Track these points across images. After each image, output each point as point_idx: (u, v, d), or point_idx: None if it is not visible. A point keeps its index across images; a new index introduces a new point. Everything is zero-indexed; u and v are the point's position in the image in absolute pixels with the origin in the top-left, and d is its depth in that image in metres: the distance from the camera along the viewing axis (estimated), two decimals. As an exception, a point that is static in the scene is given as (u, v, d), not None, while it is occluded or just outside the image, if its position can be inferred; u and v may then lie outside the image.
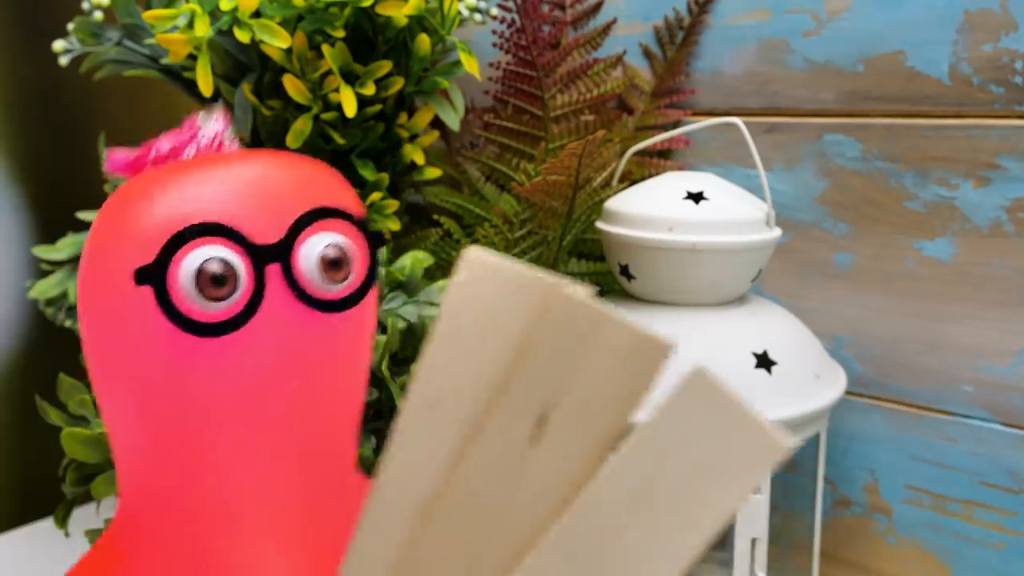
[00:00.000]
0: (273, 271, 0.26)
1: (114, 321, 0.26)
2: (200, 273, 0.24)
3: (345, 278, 0.27)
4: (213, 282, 0.24)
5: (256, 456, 0.27)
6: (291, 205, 0.27)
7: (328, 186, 0.28)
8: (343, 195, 0.28)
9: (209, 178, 0.26)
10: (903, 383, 0.53)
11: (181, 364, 0.26)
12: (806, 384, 0.45)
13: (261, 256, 0.25)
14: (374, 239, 0.28)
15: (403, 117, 0.52)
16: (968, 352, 0.50)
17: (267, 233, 0.26)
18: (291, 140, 0.48)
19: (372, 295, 0.28)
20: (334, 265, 0.26)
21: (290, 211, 0.26)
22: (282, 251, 0.26)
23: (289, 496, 0.28)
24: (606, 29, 0.58)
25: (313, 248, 0.26)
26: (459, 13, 0.50)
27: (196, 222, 0.25)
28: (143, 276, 0.24)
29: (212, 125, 0.30)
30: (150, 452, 0.27)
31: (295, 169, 0.28)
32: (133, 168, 0.29)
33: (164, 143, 0.29)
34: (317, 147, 0.51)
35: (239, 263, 0.25)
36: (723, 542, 0.59)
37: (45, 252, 0.53)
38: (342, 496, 0.30)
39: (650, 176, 0.54)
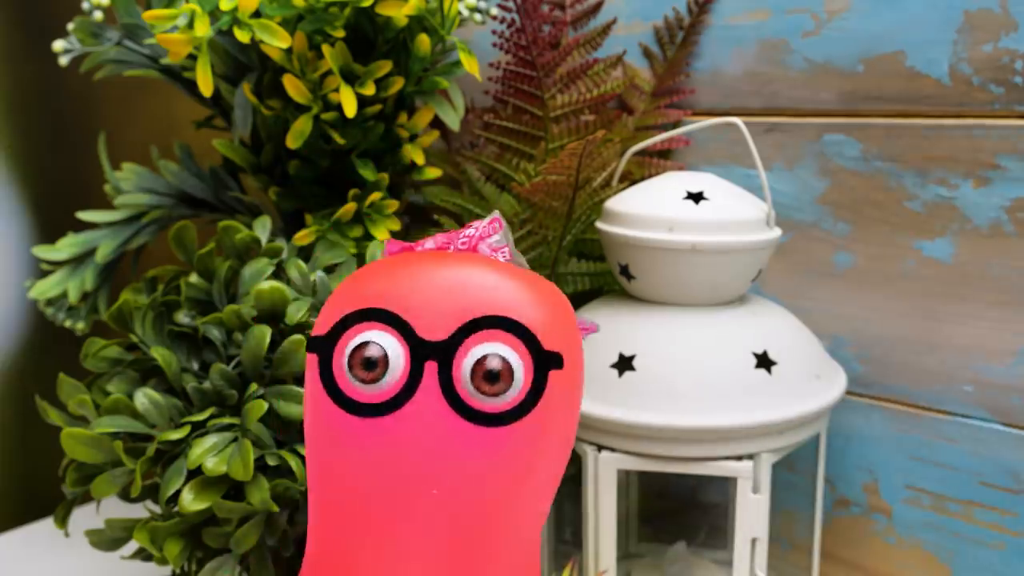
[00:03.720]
0: (430, 368, 0.26)
1: (307, 383, 0.28)
2: (355, 352, 0.25)
3: (501, 392, 0.26)
4: (364, 363, 0.25)
5: (393, 552, 0.27)
6: (465, 308, 0.26)
7: (517, 299, 0.27)
8: (532, 311, 0.27)
9: (402, 271, 0.27)
10: (903, 383, 0.53)
11: (336, 436, 0.27)
12: (806, 384, 0.45)
13: (421, 350, 0.26)
14: (545, 360, 0.26)
15: (403, 117, 0.52)
16: (968, 352, 0.50)
17: (434, 330, 0.26)
18: (291, 140, 0.48)
19: (544, 417, 0.27)
20: (490, 377, 0.25)
21: (462, 314, 0.26)
22: (444, 350, 0.26)
23: None
24: (606, 29, 0.58)
25: (475, 355, 0.26)
26: (459, 13, 0.50)
27: (369, 306, 0.26)
28: (312, 345, 0.26)
29: (483, 229, 0.29)
30: (313, 510, 0.29)
31: (492, 274, 0.27)
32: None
33: (433, 241, 0.29)
34: (317, 147, 0.51)
35: (397, 352, 0.25)
36: (723, 542, 0.59)
37: (45, 252, 0.53)
38: None
39: (650, 176, 0.54)
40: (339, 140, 0.49)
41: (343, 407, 0.26)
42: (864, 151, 0.52)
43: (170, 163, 0.56)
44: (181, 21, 0.42)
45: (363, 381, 0.25)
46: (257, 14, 0.44)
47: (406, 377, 0.25)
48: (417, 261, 0.28)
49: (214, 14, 0.43)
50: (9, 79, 0.64)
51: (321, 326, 0.26)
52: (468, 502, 0.27)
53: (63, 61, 0.52)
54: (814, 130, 0.53)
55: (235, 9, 0.43)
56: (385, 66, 0.48)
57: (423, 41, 0.49)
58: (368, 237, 0.51)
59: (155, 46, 0.52)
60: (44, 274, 0.55)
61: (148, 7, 0.52)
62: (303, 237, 0.49)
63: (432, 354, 0.26)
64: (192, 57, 0.47)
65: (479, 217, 0.57)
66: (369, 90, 0.48)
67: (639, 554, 0.59)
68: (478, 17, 0.53)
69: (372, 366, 0.25)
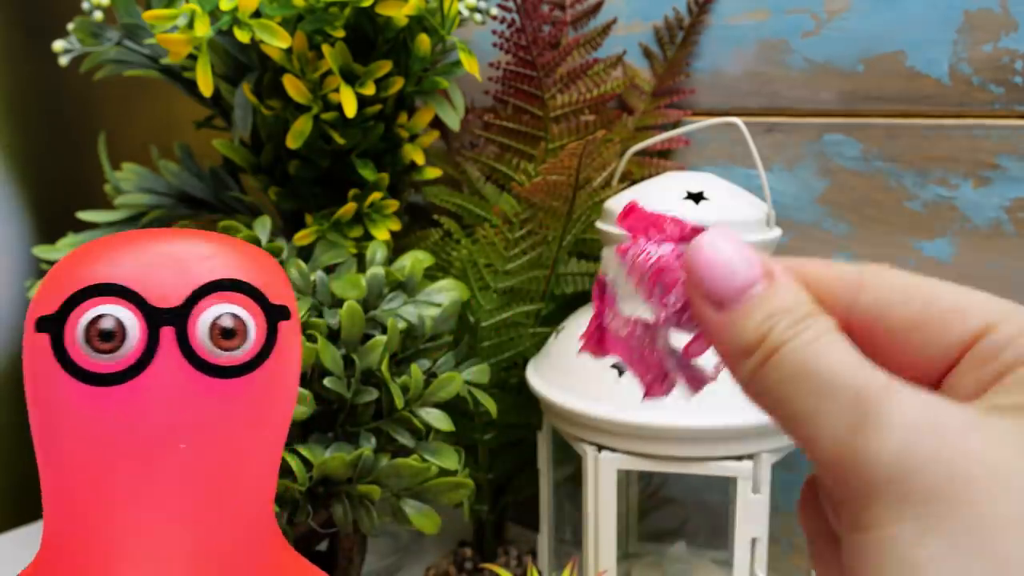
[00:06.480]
0: (167, 333, 0.28)
1: (28, 368, 0.29)
2: (91, 326, 0.28)
3: (237, 347, 0.29)
4: (101, 335, 0.27)
5: (145, 511, 0.29)
6: (194, 275, 0.29)
7: (239, 262, 0.30)
8: (254, 272, 0.30)
9: (125, 245, 0.30)
10: (903, 383, 0.53)
11: (78, 409, 0.29)
12: (806, 384, 0.45)
13: (156, 318, 0.28)
14: (274, 313, 0.29)
15: (403, 117, 0.52)
16: (968, 352, 0.50)
17: (167, 298, 0.29)
18: (291, 140, 0.48)
19: (276, 366, 0.30)
20: (226, 333, 0.28)
21: (192, 280, 0.29)
22: (178, 315, 0.28)
23: (176, 559, 0.30)
24: (606, 29, 0.58)
25: (209, 315, 0.29)
26: (459, 13, 0.50)
27: (99, 282, 0.28)
28: (43, 324, 0.28)
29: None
30: (55, 492, 0.30)
31: (209, 242, 0.31)
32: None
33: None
34: (317, 147, 0.51)
35: (132, 322, 0.28)
36: (723, 542, 0.59)
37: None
38: (246, 570, 0.31)
39: (650, 176, 0.54)
40: (339, 140, 0.49)
41: (83, 380, 0.28)
42: (864, 151, 0.52)
43: (170, 163, 0.56)
44: (181, 21, 0.42)
45: (101, 352, 0.27)
46: (257, 14, 0.44)
47: (144, 344, 0.28)
48: (136, 237, 0.31)
49: (214, 14, 0.43)
50: (9, 79, 0.64)
51: (47, 305, 0.28)
52: (215, 453, 0.30)
53: (63, 61, 0.52)
54: (814, 130, 0.53)
55: (235, 9, 0.43)
56: (385, 66, 0.48)
57: (423, 41, 0.49)
58: (368, 237, 0.51)
59: (155, 46, 0.52)
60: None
61: (148, 7, 0.52)
62: (303, 237, 0.49)
63: (167, 320, 0.28)
64: (192, 57, 0.47)
65: (480, 218, 0.57)
66: (369, 90, 0.48)
67: (639, 554, 0.59)
68: (478, 17, 0.53)
69: (110, 337, 0.27)
